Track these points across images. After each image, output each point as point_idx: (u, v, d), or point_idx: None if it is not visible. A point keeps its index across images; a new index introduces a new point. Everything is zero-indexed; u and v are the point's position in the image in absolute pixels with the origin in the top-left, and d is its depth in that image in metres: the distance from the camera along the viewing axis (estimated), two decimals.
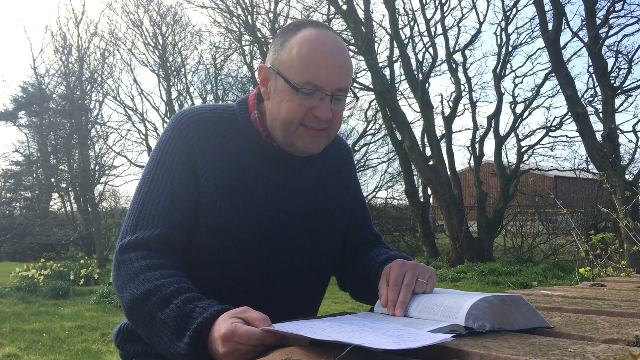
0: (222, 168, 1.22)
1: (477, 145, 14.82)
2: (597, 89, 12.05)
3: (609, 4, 11.48)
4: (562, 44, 10.69)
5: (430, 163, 13.47)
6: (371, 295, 1.25)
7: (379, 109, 16.22)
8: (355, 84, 15.12)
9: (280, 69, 1.20)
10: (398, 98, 14.38)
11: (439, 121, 16.97)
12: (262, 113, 1.29)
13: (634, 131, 12.08)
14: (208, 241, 1.21)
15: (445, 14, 14.23)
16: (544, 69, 15.17)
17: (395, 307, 1.05)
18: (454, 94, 14.49)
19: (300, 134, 1.21)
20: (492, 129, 14.57)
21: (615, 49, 12.35)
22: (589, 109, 11.78)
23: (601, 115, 11.13)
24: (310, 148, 1.23)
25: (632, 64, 12.13)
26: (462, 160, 28.50)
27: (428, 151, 13.93)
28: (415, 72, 14.22)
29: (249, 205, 1.22)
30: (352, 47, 14.00)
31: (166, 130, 1.27)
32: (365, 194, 20.32)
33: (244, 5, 16.10)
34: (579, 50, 17.63)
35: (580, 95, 11.12)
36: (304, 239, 1.30)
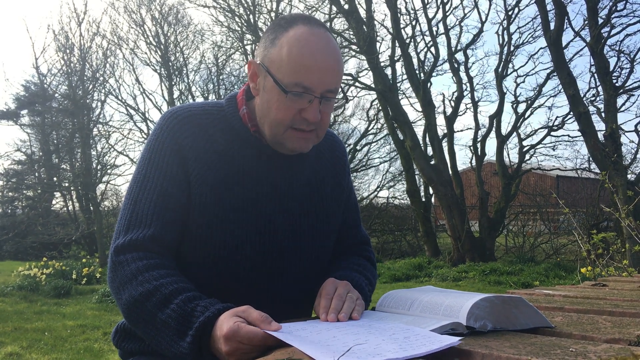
0: (212, 165, 1.21)
1: (478, 145, 14.79)
2: (599, 88, 12.01)
3: (611, 4, 11.46)
4: (564, 44, 10.67)
5: (432, 162, 13.45)
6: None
7: (380, 108, 16.20)
8: (357, 83, 15.13)
9: (270, 68, 1.17)
10: (400, 97, 14.37)
11: (440, 120, 17.00)
12: (252, 109, 1.27)
13: (636, 131, 12.06)
14: (199, 240, 1.19)
15: (447, 14, 14.21)
16: (545, 69, 15.15)
17: (328, 313, 1.06)
18: (455, 94, 14.48)
19: (289, 135, 1.20)
20: (493, 129, 14.54)
21: (617, 48, 12.34)
22: (591, 108, 11.76)
23: (603, 114, 11.12)
24: (299, 148, 1.22)
25: (635, 63, 12.11)
26: (463, 159, 28.50)
27: (430, 151, 13.92)
28: (417, 72, 14.20)
29: (239, 203, 1.21)
30: (353, 47, 13.99)
31: (155, 130, 1.26)
32: (366, 194, 20.17)
33: (245, 5, 16.11)
34: (581, 49, 17.63)
35: (582, 95, 11.09)
36: (298, 238, 1.28)
